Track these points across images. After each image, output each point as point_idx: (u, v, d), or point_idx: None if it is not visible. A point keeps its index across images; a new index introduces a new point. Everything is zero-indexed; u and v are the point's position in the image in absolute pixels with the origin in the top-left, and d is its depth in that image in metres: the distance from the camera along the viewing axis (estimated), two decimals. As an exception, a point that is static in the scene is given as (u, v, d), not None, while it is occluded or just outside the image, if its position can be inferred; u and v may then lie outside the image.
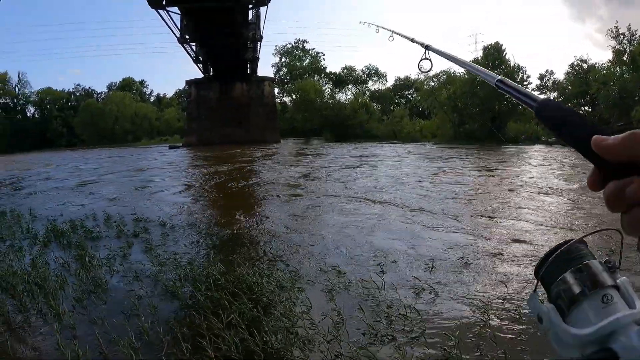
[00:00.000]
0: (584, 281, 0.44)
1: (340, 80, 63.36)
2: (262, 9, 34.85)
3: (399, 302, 3.55)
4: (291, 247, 5.43)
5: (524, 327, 3.18)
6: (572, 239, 0.47)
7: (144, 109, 63.54)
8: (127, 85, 70.66)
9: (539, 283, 0.48)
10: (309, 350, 2.92)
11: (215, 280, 4.01)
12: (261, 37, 38.00)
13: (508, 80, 0.68)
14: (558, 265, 0.46)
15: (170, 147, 38.45)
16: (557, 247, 0.47)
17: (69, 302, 3.79)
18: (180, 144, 42.22)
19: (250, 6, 33.04)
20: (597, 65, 37.67)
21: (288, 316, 3.31)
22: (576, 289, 0.44)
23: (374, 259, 4.83)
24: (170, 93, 77.45)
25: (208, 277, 4.10)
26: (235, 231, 6.30)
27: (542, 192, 9.26)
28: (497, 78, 0.72)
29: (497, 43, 38.01)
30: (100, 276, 4.40)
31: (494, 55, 37.63)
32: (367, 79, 65.31)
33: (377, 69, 65.11)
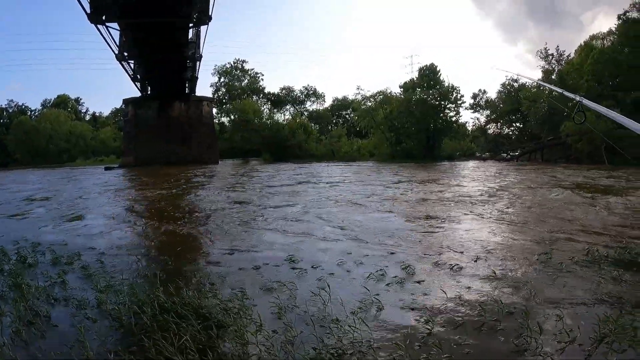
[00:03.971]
0: None
1: (279, 100, 64.04)
2: (203, 28, 34.67)
3: (345, 315, 3.65)
4: (236, 268, 5.39)
5: (466, 331, 3.37)
6: None
7: (80, 127, 60.61)
8: (62, 102, 67.20)
9: None
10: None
11: (160, 304, 3.91)
12: (201, 57, 37.69)
13: None
14: None
15: (107, 168, 36.85)
16: None
17: (7, 335, 3.55)
18: (117, 165, 40.59)
19: (190, 25, 32.73)
20: (527, 84, 40.57)
21: (240, 335, 3.30)
22: None
23: (319, 273, 4.95)
24: (106, 112, 74.60)
25: (153, 300, 3.99)
26: (176, 255, 6.12)
27: (482, 199, 9.85)
28: None
29: (432, 64, 39.93)
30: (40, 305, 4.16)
31: (429, 76, 39.38)
32: (305, 99, 66.58)
33: (315, 89, 66.54)
